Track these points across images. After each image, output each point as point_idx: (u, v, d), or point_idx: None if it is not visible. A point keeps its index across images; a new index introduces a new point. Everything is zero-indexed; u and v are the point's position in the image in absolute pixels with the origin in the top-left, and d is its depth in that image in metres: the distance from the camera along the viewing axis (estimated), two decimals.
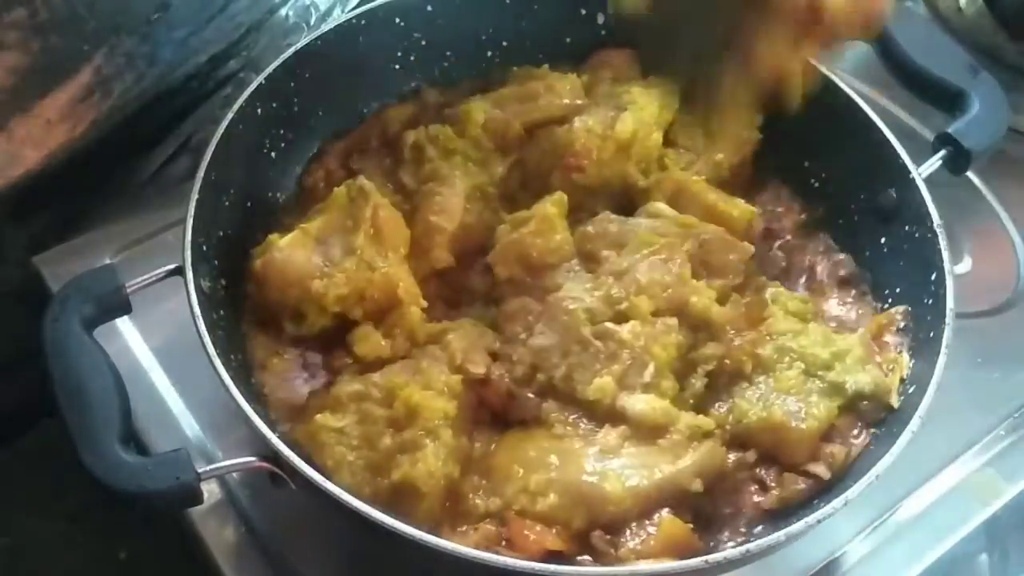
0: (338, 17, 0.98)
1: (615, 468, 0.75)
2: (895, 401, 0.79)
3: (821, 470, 0.78)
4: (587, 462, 0.76)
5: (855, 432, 0.80)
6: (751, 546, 0.68)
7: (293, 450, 0.70)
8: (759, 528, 0.77)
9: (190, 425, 0.89)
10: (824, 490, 0.77)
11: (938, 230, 0.84)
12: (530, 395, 0.81)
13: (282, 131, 0.94)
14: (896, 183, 0.89)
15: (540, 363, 0.81)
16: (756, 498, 0.78)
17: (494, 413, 0.82)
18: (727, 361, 0.82)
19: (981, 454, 0.92)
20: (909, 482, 0.89)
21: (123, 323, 0.93)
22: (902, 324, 0.85)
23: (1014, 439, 0.93)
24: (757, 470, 0.79)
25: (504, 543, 0.74)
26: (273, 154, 0.94)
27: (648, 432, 0.77)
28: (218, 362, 0.72)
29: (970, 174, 1.10)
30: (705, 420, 0.79)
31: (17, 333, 1.05)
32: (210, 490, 0.84)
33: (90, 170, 1.01)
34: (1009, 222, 1.10)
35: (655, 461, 0.76)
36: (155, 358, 0.93)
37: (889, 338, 0.85)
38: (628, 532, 0.74)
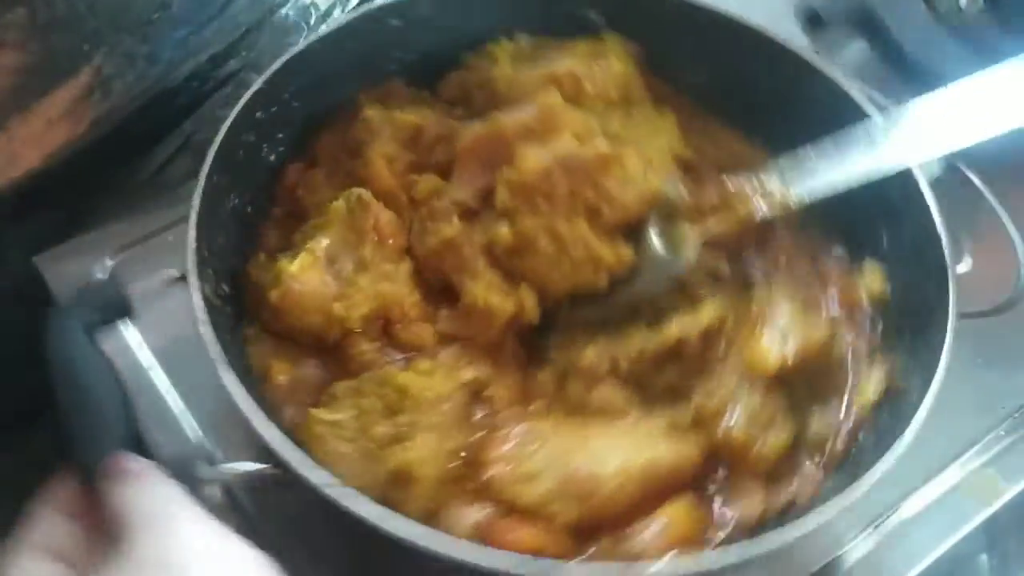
0: (337, 18, 0.97)
1: None
2: None
3: None
4: None
5: None
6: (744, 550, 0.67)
7: (295, 450, 0.69)
8: None
9: (192, 427, 0.89)
10: None
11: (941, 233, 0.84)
12: None
13: (279, 135, 0.94)
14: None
15: None
16: None
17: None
18: None
19: (981, 454, 0.92)
20: (909, 482, 0.89)
21: (125, 326, 0.93)
22: None
23: (1014, 439, 0.93)
24: None
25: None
26: (272, 157, 0.94)
27: None
28: (226, 369, 0.71)
29: (970, 174, 1.10)
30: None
31: (17, 333, 1.05)
32: (210, 491, 0.84)
33: (90, 170, 1.01)
34: (1009, 222, 1.09)
35: None
36: (156, 360, 0.93)
37: None
38: None
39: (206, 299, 0.76)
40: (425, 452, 0.74)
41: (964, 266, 1.06)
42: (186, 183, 0.83)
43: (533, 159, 0.85)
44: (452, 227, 0.86)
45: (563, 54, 0.97)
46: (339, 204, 0.86)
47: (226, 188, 0.86)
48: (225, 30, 1.06)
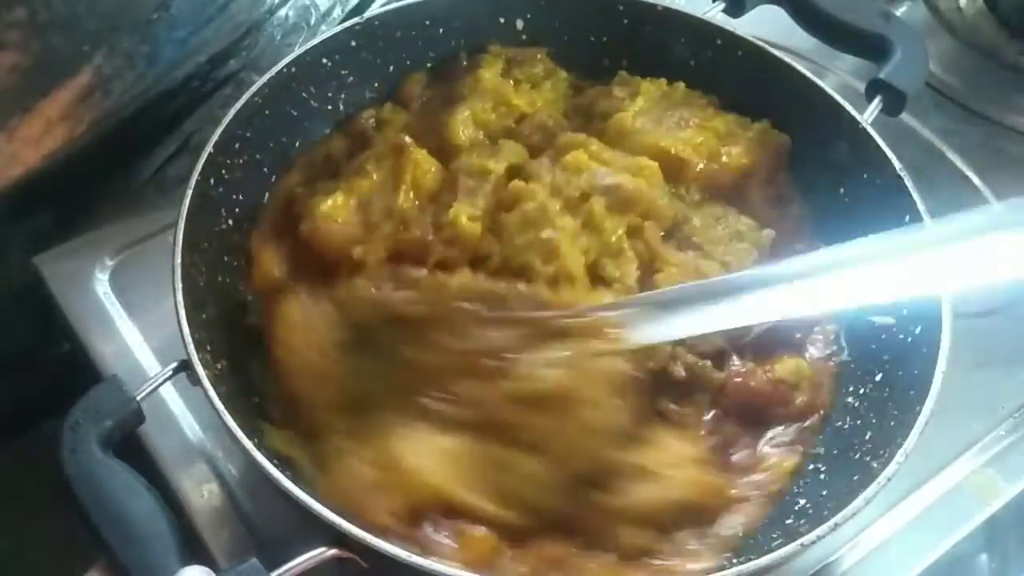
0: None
1: None
2: None
3: None
4: None
5: None
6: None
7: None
8: None
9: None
10: None
11: (902, 174, 0.86)
12: None
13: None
14: (846, 135, 0.91)
15: None
16: None
17: None
18: None
19: (981, 454, 0.92)
20: (909, 482, 0.89)
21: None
22: None
23: (1014, 439, 0.93)
24: None
25: None
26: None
27: None
28: (264, 459, 0.69)
29: (970, 174, 1.10)
30: None
31: (17, 333, 1.05)
32: (210, 490, 0.85)
33: (90, 170, 1.01)
34: None
35: None
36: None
37: None
38: None
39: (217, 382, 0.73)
40: None
41: None
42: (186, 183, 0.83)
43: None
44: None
45: (695, 126, 0.94)
46: (382, 147, 0.89)
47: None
48: (225, 30, 1.06)
